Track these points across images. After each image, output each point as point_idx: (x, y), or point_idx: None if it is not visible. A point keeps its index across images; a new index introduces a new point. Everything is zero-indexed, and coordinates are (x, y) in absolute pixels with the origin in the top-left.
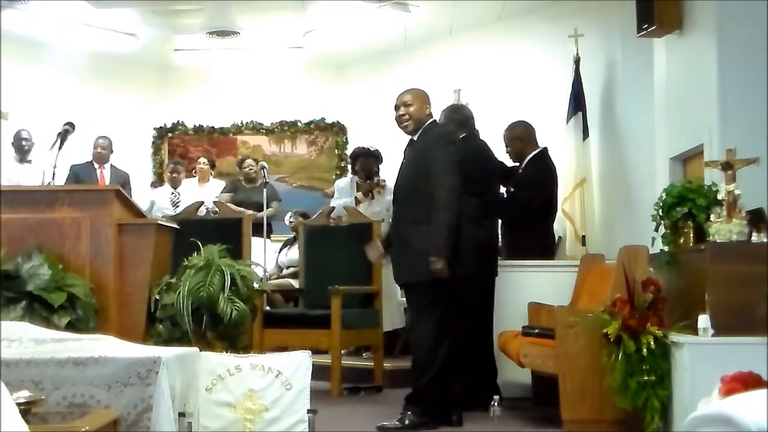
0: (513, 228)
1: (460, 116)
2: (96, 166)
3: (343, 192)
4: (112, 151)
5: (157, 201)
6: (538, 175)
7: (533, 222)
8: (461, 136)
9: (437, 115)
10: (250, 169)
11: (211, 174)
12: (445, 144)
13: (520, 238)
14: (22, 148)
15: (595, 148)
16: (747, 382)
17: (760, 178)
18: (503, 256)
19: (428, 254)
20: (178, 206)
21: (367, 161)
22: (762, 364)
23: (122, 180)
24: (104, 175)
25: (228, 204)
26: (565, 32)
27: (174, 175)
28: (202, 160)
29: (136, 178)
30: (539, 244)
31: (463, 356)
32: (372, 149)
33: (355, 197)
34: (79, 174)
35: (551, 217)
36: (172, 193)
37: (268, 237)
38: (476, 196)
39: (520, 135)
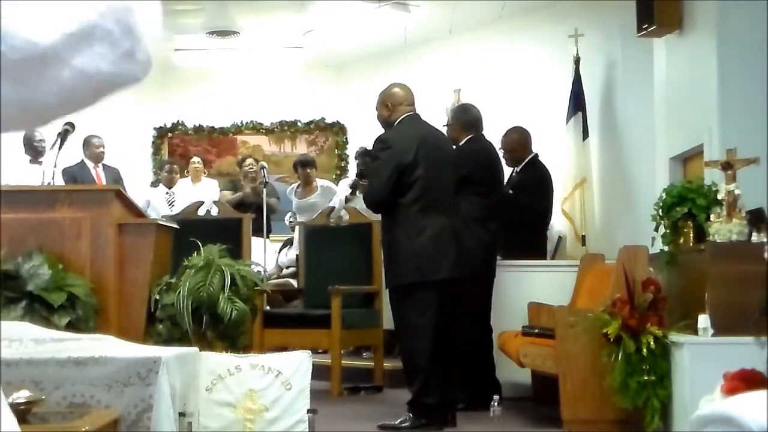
0: (510, 230)
1: (468, 117)
2: (90, 165)
3: (339, 193)
4: None
5: (152, 201)
6: (537, 180)
7: (532, 225)
8: (468, 138)
9: (443, 116)
10: (251, 168)
11: (204, 173)
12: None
13: (517, 240)
14: (36, 149)
15: (595, 148)
16: (749, 379)
17: (760, 178)
18: (501, 257)
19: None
20: (173, 206)
21: (361, 161)
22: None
23: (116, 177)
24: (100, 174)
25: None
26: (565, 32)
27: (170, 174)
28: (196, 159)
29: (135, 178)
30: (536, 246)
31: (462, 356)
32: (365, 149)
33: (346, 196)
34: (76, 175)
35: (546, 223)
36: (167, 193)
37: (267, 236)
38: (481, 197)
39: (519, 139)
